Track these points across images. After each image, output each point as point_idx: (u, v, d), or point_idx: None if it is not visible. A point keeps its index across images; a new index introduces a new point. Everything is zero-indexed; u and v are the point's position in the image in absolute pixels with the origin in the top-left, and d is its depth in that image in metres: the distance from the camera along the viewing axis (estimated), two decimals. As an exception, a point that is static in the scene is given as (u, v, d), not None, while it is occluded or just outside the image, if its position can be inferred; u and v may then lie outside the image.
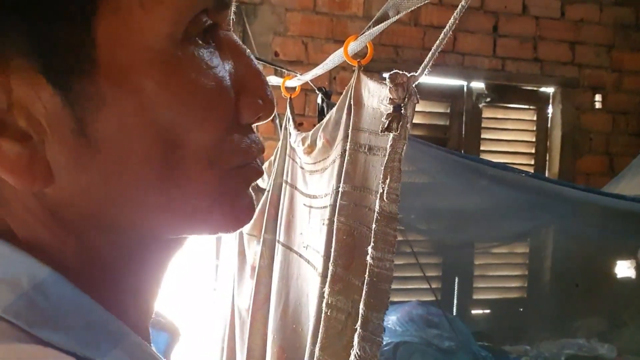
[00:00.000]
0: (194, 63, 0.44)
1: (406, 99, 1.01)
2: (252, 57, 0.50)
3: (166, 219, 0.47)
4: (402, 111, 1.02)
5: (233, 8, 0.50)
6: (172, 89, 0.43)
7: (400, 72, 1.01)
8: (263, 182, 2.24)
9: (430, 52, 0.95)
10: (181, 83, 0.43)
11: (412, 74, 1.01)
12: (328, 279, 1.33)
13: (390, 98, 1.02)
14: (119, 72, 0.42)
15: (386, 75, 1.03)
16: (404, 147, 1.06)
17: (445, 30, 0.91)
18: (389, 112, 1.03)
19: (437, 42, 0.92)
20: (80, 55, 0.41)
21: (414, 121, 3.23)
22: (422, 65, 0.99)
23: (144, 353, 0.46)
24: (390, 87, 1.02)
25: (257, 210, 2.17)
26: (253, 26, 3.43)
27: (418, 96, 1.03)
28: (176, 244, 0.52)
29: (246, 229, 2.28)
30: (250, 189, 0.52)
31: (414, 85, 1.02)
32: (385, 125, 1.03)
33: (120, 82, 0.42)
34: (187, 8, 0.43)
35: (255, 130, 0.52)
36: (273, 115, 0.52)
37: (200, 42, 0.45)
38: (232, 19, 0.51)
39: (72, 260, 0.46)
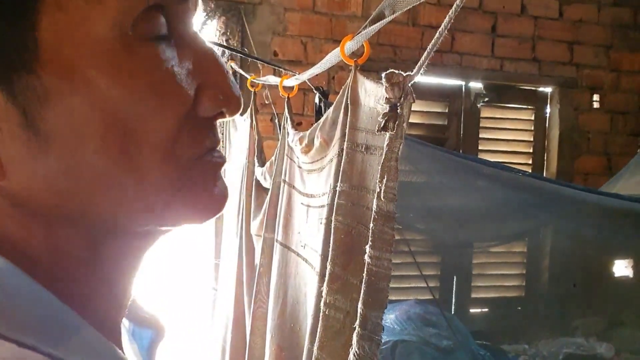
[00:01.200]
0: (144, 56, 0.45)
1: (402, 99, 1.02)
2: (215, 53, 0.50)
3: (128, 211, 0.47)
4: (399, 110, 1.02)
5: (201, 5, 0.51)
6: (121, 81, 0.43)
7: (397, 71, 1.02)
8: (265, 182, 2.24)
9: (426, 52, 0.95)
10: (130, 75, 0.44)
11: (407, 73, 1.02)
12: (326, 278, 1.33)
13: (386, 97, 1.03)
14: (64, 66, 0.42)
15: (383, 74, 1.03)
16: (401, 147, 1.07)
17: (440, 29, 0.91)
18: (385, 111, 1.03)
19: (433, 41, 0.93)
20: (22, 51, 0.41)
21: (413, 121, 3.25)
22: (418, 64, 0.99)
23: (101, 345, 0.46)
24: (386, 86, 1.02)
25: (261, 210, 2.18)
26: (252, 26, 3.44)
27: (414, 95, 1.03)
28: (147, 237, 0.52)
29: (253, 229, 2.28)
30: (219, 179, 0.52)
31: (410, 85, 1.02)
32: (382, 125, 1.04)
33: (65, 75, 0.42)
34: (133, 3, 0.43)
35: (216, 125, 0.52)
36: (239, 111, 0.52)
37: (154, 37, 0.46)
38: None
39: (39, 252, 0.46)
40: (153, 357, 0.67)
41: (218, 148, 0.52)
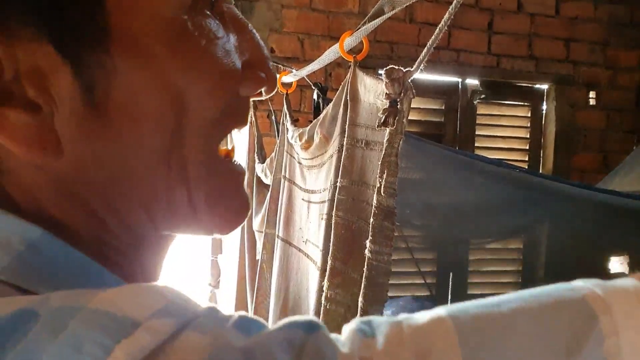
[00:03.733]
0: (204, 32, 0.44)
1: (402, 94, 1.03)
2: (254, 31, 0.50)
3: (170, 201, 0.47)
4: (398, 106, 1.04)
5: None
6: (184, 56, 0.43)
7: (396, 67, 1.03)
8: (266, 179, 2.25)
9: (426, 48, 0.97)
10: (192, 50, 0.44)
11: (407, 69, 1.03)
12: (327, 272, 1.34)
13: (386, 93, 1.04)
14: (130, 40, 0.41)
15: (382, 71, 1.05)
16: (401, 142, 1.08)
17: (440, 25, 0.93)
18: (385, 107, 1.05)
19: (433, 37, 0.94)
20: (91, 23, 0.40)
21: (409, 117, 3.23)
22: (418, 60, 1.00)
23: None
24: (386, 82, 1.03)
25: (263, 207, 2.19)
26: (249, 22, 3.44)
27: (414, 91, 1.04)
28: (169, 240, 0.52)
29: (255, 225, 2.29)
30: (242, 190, 0.52)
31: (409, 81, 1.03)
32: (382, 120, 1.05)
33: (131, 50, 0.41)
34: None
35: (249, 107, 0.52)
36: (275, 90, 0.53)
37: (208, 12, 0.46)
38: None
39: (77, 234, 0.45)
40: None
41: (236, 159, 0.53)
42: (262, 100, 2.42)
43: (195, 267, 3.51)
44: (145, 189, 0.46)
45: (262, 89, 0.50)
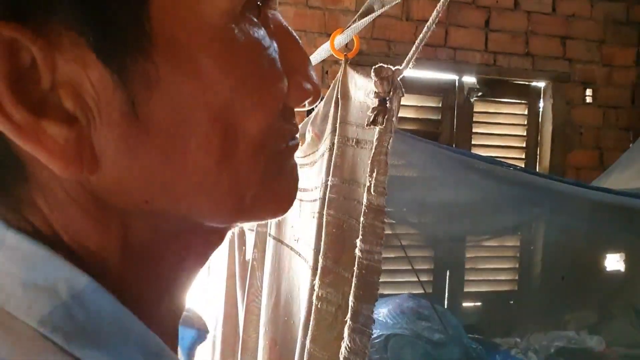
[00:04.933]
0: (251, 42, 0.41)
1: (391, 93, 1.02)
2: (298, 39, 0.47)
3: (219, 207, 0.44)
4: (388, 104, 1.03)
5: None
6: (231, 67, 0.40)
7: (385, 65, 1.03)
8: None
9: (414, 46, 0.96)
10: (239, 62, 0.41)
11: (396, 67, 1.02)
12: (318, 271, 1.34)
13: (375, 92, 1.04)
14: (175, 50, 0.38)
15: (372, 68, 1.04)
16: (390, 141, 1.08)
17: (428, 23, 0.92)
18: (374, 105, 1.04)
19: (421, 35, 0.94)
20: (135, 30, 0.37)
21: (406, 115, 3.24)
22: (407, 58, 1.00)
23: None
24: (375, 80, 1.03)
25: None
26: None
27: (403, 89, 1.04)
28: (217, 238, 0.49)
29: (246, 224, 2.28)
30: (294, 165, 0.50)
31: (399, 79, 1.03)
32: (371, 119, 1.05)
33: (176, 60, 0.38)
34: None
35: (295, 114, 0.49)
36: (318, 101, 0.50)
37: (255, 20, 0.43)
38: None
39: (113, 252, 0.42)
40: (192, 356, 0.64)
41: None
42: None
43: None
44: (192, 202, 0.43)
45: (307, 101, 0.48)
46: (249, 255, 2.11)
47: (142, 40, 0.37)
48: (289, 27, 0.47)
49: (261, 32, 0.42)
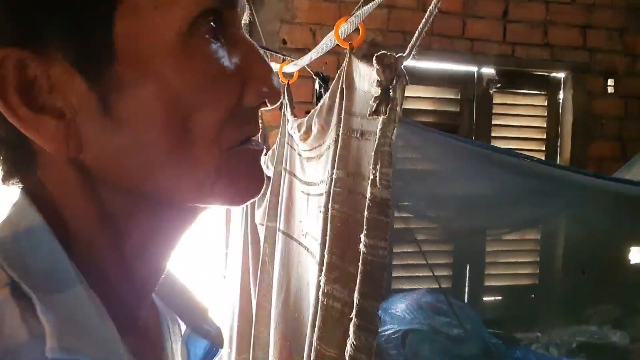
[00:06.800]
0: (201, 53, 0.53)
1: (394, 81, 0.99)
2: (260, 51, 0.58)
3: (179, 188, 0.56)
4: (391, 93, 1.00)
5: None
6: (183, 74, 0.52)
7: (388, 52, 0.99)
8: (268, 171, 2.22)
9: (417, 31, 0.93)
10: (190, 69, 0.52)
11: (399, 54, 0.99)
12: (324, 267, 1.31)
13: (377, 80, 1.00)
14: (136, 62, 0.51)
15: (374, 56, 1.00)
16: (395, 131, 1.04)
17: (430, 7, 0.88)
18: (376, 94, 1.00)
19: (423, 20, 0.90)
20: (102, 49, 0.50)
21: (424, 107, 3.20)
22: (410, 45, 0.96)
23: (85, 300, 0.52)
24: (377, 68, 0.99)
25: (264, 199, 2.16)
26: (260, 14, 3.39)
27: (407, 78, 1.00)
28: (189, 215, 0.61)
29: (257, 218, 2.26)
30: (257, 167, 0.60)
31: (402, 66, 0.99)
32: (374, 109, 1.01)
33: (137, 69, 0.51)
34: (192, 8, 0.52)
35: (259, 115, 0.61)
36: (279, 101, 0.60)
37: (208, 37, 0.54)
38: (246, 20, 0.62)
39: (92, 216, 0.56)
40: None
41: (256, 137, 0.61)
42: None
43: (209, 260, 3.51)
44: (157, 181, 0.55)
45: (266, 101, 0.58)
46: (261, 251, 2.10)
47: (108, 56, 0.50)
48: (251, 41, 0.58)
49: (213, 46, 0.54)
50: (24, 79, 0.50)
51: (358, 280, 1.11)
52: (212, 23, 0.54)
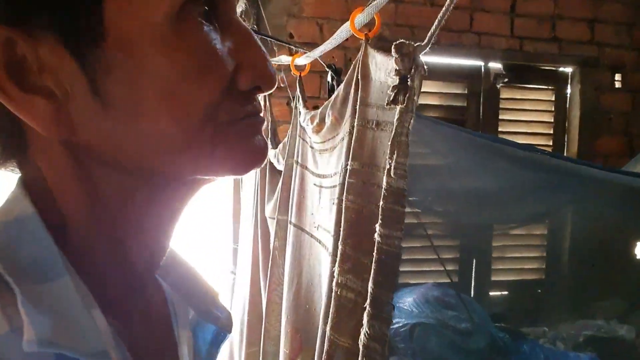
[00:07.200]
0: (193, 36, 0.53)
1: (413, 70, 0.99)
2: (254, 37, 0.58)
3: (175, 163, 0.55)
4: (409, 82, 0.99)
5: None
6: (173, 56, 0.51)
7: (407, 41, 0.99)
8: (279, 165, 2.22)
9: (437, 20, 0.92)
10: (181, 52, 0.52)
11: (418, 43, 0.99)
12: (337, 258, 1.31)
13: (395, 69, 1.00)
14: (125, 43, 0.50)
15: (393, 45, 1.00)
16: (412, 121, 1.04)
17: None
18: (394, 84, 1.00)
19: (444, 9, 0.89)
20: (91, 30, 0.49)
21: (431, 102, 3.20)
22: (429, 34, 0.96)
23: (71, 291, 0.52)
24: (395, 57, 0.99)
25: (275, 193, 2.16)
26: (267, 8, 3.39)
27: (425, 67, 1.00)
28: (188, 189, 0.61)
29: (267, 212, 2.27)
30: (257, 137, 0.59)
31: (420, 56, 0.99)
32: (391, 98, 1.01)
33: (126, 50, 0.50)
34: None
35: (256, 98, 0.60)
36: (273, 87, 0.59)
37: (200, 19, 0.54)
38: (244, 5, 0.58)
39: (85, 199, 0.56)
40: (214, 353, 0.74)
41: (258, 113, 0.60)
42: (280, 87, 2.38)
43: (217, 255, 3.51)
44: (151, 160, 0.55)
45: (259, 85, 0.58)
46: (271, 244, 2.10)
47: (97, 37, 0.50)
48: (244, 26, 0.58)
49: (205, 29, 0.54)
50: (13, 58, 0.50)
51: (372, 270, 1.11)
52: (204, 6, 0.54)
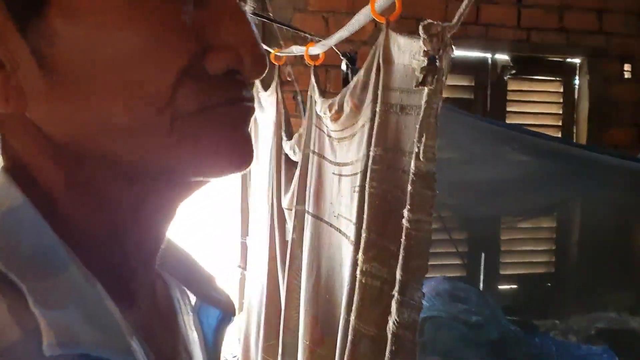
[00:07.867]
0: (148, 6, 0.46)
1: (441, 51, 0.97)
2: (240, 10, 0.49)
3: (141, 155, 0.49)
4: (437, 63, 0.98)
5: None
6: (122, 28, 0.45)
7: (435, 22, 0.98)
8: (295, 155, 2.21)
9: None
10: (132, 23, 0.45)
11: (447, 23, 0.97)
12: (361, 246, 1.30)
13: (424, 50, 0.98)
14: (68, 11, 0.45)
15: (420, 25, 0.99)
16: (440, 103, 1.02)
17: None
18: (422, 65, 0.99)
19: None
20: None
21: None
22: (458, 13, 0.94)
23: (81, 283, 0.47)
24: (424, 38, 0.98)
25: (292, 184, 2.14)
26: (273, 2, 3.38)
27: (454, 47, 0.99)
28: (176, 186, 0.54)
29: (284, 203, 2.26)
30: (238, 130, 0.51)
31: (449, 36, 0.98)
32: (420, 79, 1.00)
33: (69, 19, 0.45)
34: None
35: (244, 85, 0.51)
36: (263, 72, 0.50)
37: None
38: None
39: (60, 183, 0.50)
40: (220, 338, 0.69)
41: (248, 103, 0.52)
42: (287, 81, 2.35)
43: (224, 250, 3.51)
44: (114, 148, 0.49)
45: (239, 69, 0.49)
46: (288, 236, 2.08)
47: (39, 5, 0.45)
48: (238, 5, 0.49)
49: (177, 1, 0.47)
50: None
51: (401, 257, 1.09)
52: None
